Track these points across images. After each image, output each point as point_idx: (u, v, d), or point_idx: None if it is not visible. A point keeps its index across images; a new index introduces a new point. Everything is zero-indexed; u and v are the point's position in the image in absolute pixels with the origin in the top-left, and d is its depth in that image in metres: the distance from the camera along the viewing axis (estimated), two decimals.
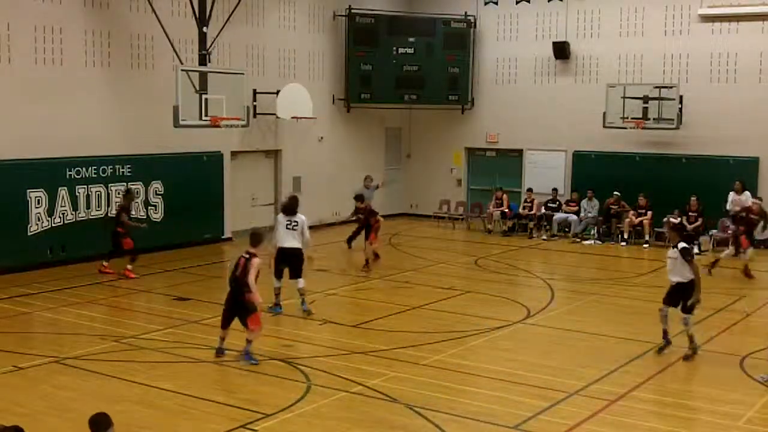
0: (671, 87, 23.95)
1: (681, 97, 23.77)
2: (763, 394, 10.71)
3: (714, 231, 22.98)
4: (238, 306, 11.80)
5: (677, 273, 12.37)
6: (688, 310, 12.22)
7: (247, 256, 11.88)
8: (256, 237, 12.36)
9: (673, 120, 23.85)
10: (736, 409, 10.13)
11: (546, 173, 26.53)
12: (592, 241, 24.15)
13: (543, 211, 25.33)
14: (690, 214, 22.95)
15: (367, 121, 27.57)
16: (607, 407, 10.13)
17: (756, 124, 23.27)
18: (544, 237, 24.75)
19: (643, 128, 24.31)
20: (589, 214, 24.82)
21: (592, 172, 25.59)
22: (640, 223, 23.74)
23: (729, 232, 22.48)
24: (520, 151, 27.29)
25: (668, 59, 24.53)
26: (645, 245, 23.39)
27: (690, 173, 24.03)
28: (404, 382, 10.97)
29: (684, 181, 23.80)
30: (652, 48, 24.74)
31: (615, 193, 24.29)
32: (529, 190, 26.08)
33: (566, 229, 25.08)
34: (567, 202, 25.37)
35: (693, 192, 23.02)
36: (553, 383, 10.98)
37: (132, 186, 19.88)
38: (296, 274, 14.71)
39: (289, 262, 14.70)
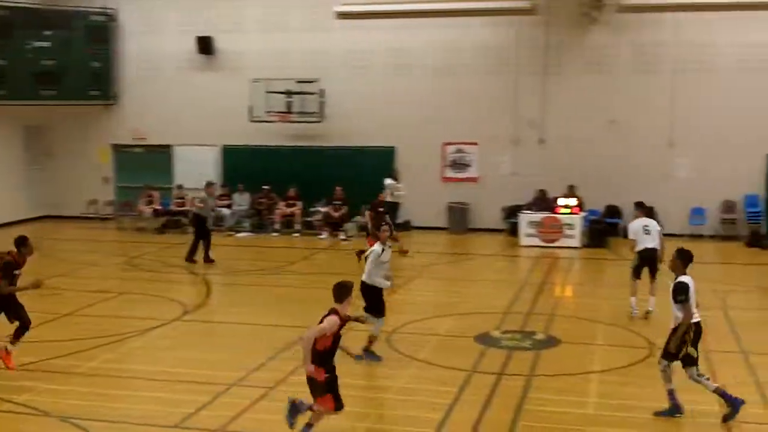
0: (313, 81, 24.95)
1: (322, 91, 24.87)
2: (408, 366, 11.57)
3: (358, 218, 24.34)
4: None
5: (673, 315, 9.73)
6: (668, 356, 9.63)
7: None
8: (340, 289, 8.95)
9: (316, 113, 24.90)
10: (385, 382, 10.80)
11: (197, 168, 26.40)
12: (246, 233, 24.52)
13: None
14: (335, 203, 24.14)
15: (1, 120, 25.63)
16: (267, 394, 10.37)
17: (392, 116, 24.97)
18: None
19: (288, 122, 25.13)
20: (241, 207, 25.17)
21: (242, 165, 25.99)
22: (291, 214, 24.55)
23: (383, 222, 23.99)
24: (169, 147, 26.95)
25: (309, 54, 25.48)
26: (296, 234, 24.24)
27: (334, 164, 25.27)
28: (57, 394, 10.41)
29: (329, 171, 24.99)
30: (294, 43, 25.56)
31: (265, 186, 24.89)
32: (180, 186, 25.88)
33: (220, 223, 25.19)
34: (219, 196, 25.48)
35: (338, 182, 24.23)
36: (214, 377, 11.02)
37: None
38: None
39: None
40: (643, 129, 23.84)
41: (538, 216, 22.83)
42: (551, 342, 12.81)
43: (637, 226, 14.51)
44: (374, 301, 11.83)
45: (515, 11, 24.04)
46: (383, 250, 11.85)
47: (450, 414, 9.68)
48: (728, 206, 23.66)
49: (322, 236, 23.93)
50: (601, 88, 24.07)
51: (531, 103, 24.54)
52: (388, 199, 22.96)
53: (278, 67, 25.54)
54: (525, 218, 22.97)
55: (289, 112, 25.03)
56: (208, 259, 19.74)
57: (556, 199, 23.09)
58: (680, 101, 23.56)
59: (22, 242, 11.40)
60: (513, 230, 23.72)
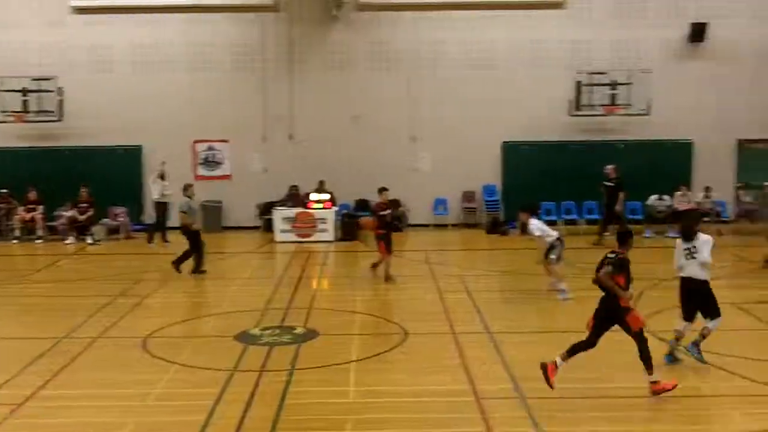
0: (50, 79, 23.75)
1: (61, 89, 23.73)
2: (167, 371, 11.34)
3: (106, 220, 23.52)
4: None
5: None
6: None
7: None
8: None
9: (54, 112, 23.75)
10: (143, 388, 10.56)
11: None
12: None
13: None
14: (81, 205, 23.13)
15: None
16: (16, 411, 9.79)
17: (138, 114, 24.31)
18: None
19: (25, 122, 23.82)
20: None
21: None
22: (32, 219, 23.24)
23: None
24: None
25: (46, 51, 24.25)
26: (38, 240, 22.99)
27: (78, 164, 24.26)
28: None
29: (73, 172, 23.94)
30: (28, 39, 24.22)
31: (2, 191, 23.43)
32: None
33: None
34: None
35: (82, 183, 23.24)
36: None
37: None
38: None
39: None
40: (387, 124, 24.78)
41: (292, 212, 23.10)
42: (311, 335, 13.04)
43: (537, 222, 15.70)
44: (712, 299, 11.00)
45: (258, 8, 24.18)
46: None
47: (213, 415, 9.60)
48: (468, 196, 25.11)
49: (68, 241, 22.84)
50: (346, 85, 24.75)
51: (279, 99, 24.78)
52: (156, 198, 22.41)
53: (12, 65, 24.10)
54: (279, 214, 23.16)
55: (26, 112, 23.70)
56: (199, 270, 18.01)
57: (308, 194, 23.47)
58: (420, 97, 24.72)
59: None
60: (268, 227, 23.87)
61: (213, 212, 24.68)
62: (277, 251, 21.95)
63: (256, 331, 13.28)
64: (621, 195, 21.95)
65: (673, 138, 24.75)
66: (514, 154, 24.92)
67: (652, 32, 24.58)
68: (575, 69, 24.26)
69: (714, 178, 24.36)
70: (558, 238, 15.59)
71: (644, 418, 9.39)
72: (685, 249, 10.93)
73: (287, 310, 14.78)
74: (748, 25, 24.65)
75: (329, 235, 22.88)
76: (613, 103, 24.07)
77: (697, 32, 24.44)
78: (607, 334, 9.95)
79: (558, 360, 9.91)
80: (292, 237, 22.84)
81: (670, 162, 24.54)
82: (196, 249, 18.04)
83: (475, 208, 25.12)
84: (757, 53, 24.72)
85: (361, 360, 11.70)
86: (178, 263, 17.95)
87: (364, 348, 12.34)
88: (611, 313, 9.85)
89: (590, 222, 24.06)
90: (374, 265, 17.30)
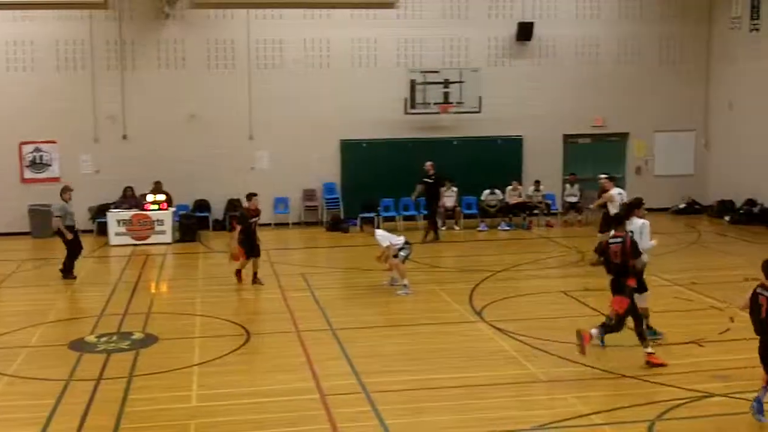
0: None
1: None
2: None
3: None
4: None
5: None
6: None
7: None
8: None
9: None
10: None
11: None
12: None
13: None
14: None
15: None
16: None
17: None
18: None
19: None
20: None
21: None
22: None
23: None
24: None
25: None
26: None
27: None
28: None
29: None
30: None
31: None
32: None
33: None
34: None
35: None
36: None
37: None
38: None
39: None
40: (224, 123, 24.44)
41: (127, 214, 22.44)
42: (150, 340, 12.75)
43: (382, 232, 16.06)
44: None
45: (86, 5, 23.31)
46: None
47: (48, 427, 9.26)
48: (309, 194, 25.16)
49: None
50: (180, 84, 24.22)
51: (110, 99, 23.98)
52: None
53: None
54: (113, 217, 22.45)
55: None
56: (71, 274, 17.65)
57: (144, 195, 22.87)
58: (257, 96, 24.52)
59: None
60: (102, 230, 23.11)
61: (42, 216, 23.56)
62: (111, 255, 21.24)
63: (91, 339, 12.87)
64: (442, 189, 22.91)
65: (504, 134, 25.64)
66: (352, 152, 25.14)
67: (481, 31, 25.37)
68: (409, 68, 24.75)
69: (543, 172, 25.44)
70: (406, 242, 15.92)
71: (482, 406, 9.72)
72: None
73: (124, 316, 14.38)
74: (569, 25, 25.87)
75: (167, 237, 22.37)
76: (446, 101, 24.70)
77: (524, 31, 25.41)
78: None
79: (593, 331, 10.77)
80: (128, 240, 22.19)
81: (501, 157, 25.40)
82: (75, 251, 17.82)
83: (316, 206, 25.19)
84: (578, 52, 25.99)
85: (203, 363, 11.56)
86: (67, 271, 17.65)
87: (206, 351, 12.19)
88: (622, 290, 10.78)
89: (427, 218, 24.59)
90: (255, 277, 16.84)
